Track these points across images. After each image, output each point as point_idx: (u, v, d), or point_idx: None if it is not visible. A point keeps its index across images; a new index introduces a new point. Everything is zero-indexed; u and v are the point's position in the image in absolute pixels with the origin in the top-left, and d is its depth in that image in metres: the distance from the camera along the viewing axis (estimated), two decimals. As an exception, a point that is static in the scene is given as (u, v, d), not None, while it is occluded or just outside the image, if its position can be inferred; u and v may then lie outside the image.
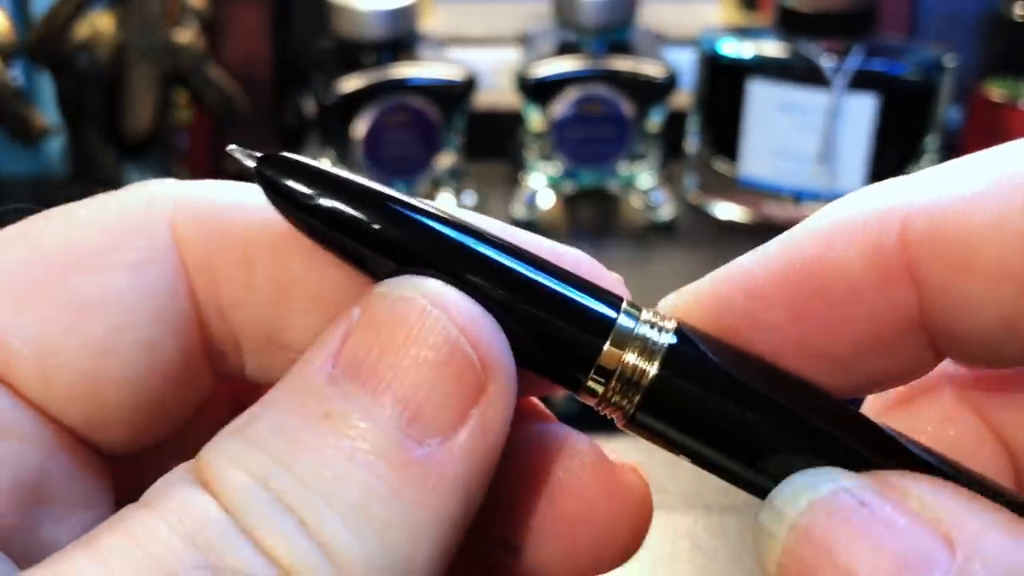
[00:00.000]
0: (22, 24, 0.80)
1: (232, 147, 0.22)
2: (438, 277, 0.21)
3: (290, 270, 0.22)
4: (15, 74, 0.77)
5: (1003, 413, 0.23)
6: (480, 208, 0.86)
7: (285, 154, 0.22)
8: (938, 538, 0.19)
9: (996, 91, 0.83)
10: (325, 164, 0.22)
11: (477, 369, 0.20)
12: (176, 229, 0.22)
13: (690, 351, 0.22)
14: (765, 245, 0.22)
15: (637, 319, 0.22)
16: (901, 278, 0.21)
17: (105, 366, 0.21)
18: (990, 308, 0.20)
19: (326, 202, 0.21)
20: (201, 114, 0.86)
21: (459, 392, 0.20)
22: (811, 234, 0.22)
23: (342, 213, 0.21)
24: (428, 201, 0.22)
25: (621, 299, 0.22)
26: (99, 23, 0.77)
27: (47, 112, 0.80)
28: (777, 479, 0.21)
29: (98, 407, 0.21)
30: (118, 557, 0.18)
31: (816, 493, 0.20)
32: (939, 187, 0.20)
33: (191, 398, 0.23)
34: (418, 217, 0.22)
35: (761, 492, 0.22)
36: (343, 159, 0.83)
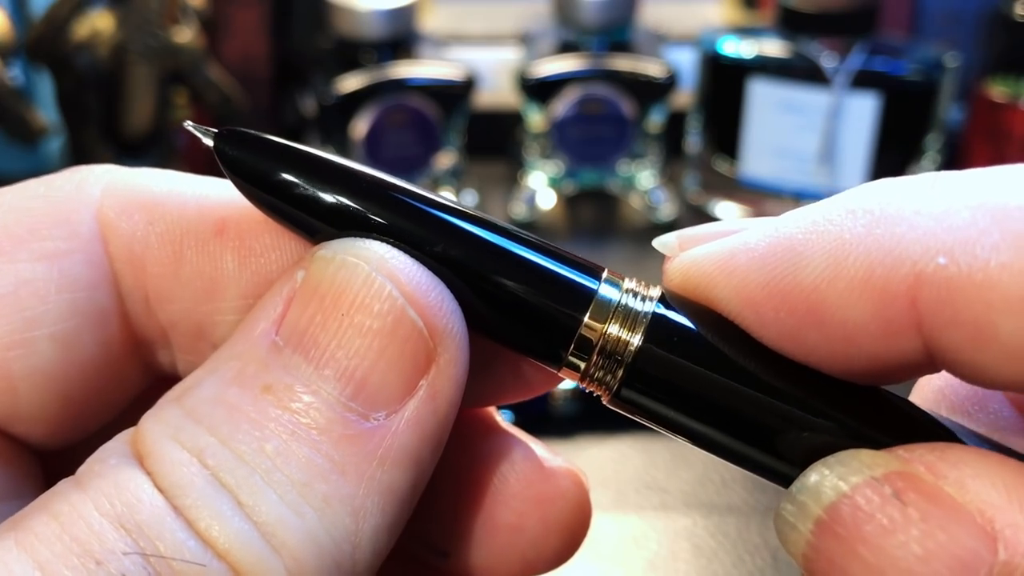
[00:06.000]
0: (21, 23, 0.80)
1: (188, 123, 0.21)
2: (385, 241, 0.20)
3: (222, 266, 0.22)
4: (14, 73, 0.77)
5: None
6: (480, 208, 0.86)
7: (241, 129, 0.21)
8: (979, 535, 0.17)
9: (997, 90, 0.83)
10: (283, 139, 0.21)
11: (425, 337, 0.19)
12: (102, 217, 0.21)
13: (675, 321, 0.21)
14: (767, 232, 0.20)
15: (620, 288, 0.21)
16: (907, 332, 0.19)
17: (16, 359, 0.20)
18: (1006, 376, 0.19)
19: (284, 174, 0.20)
20: (200, 113, 0.86)
21: (406, 362, 0.19)
22: (815, 253, 0.20)
23: (296, 185, 0.20)
24: (399, 180, 0.21)
25: (602, 268, 0.21)
26: (98, 22, 0.76)
27: (46, 111, 0.79)
28: (775, 454, 0.20)
29: (11, 400, 0.20)
30: (45, 543, 0.17)
31: (842, 486, 0.19)
32: (955, 244, 0.18)
33: (118, 392, 0.22)
34: (383, 189, 0.21)
35: (759, 468, 0.21)
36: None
